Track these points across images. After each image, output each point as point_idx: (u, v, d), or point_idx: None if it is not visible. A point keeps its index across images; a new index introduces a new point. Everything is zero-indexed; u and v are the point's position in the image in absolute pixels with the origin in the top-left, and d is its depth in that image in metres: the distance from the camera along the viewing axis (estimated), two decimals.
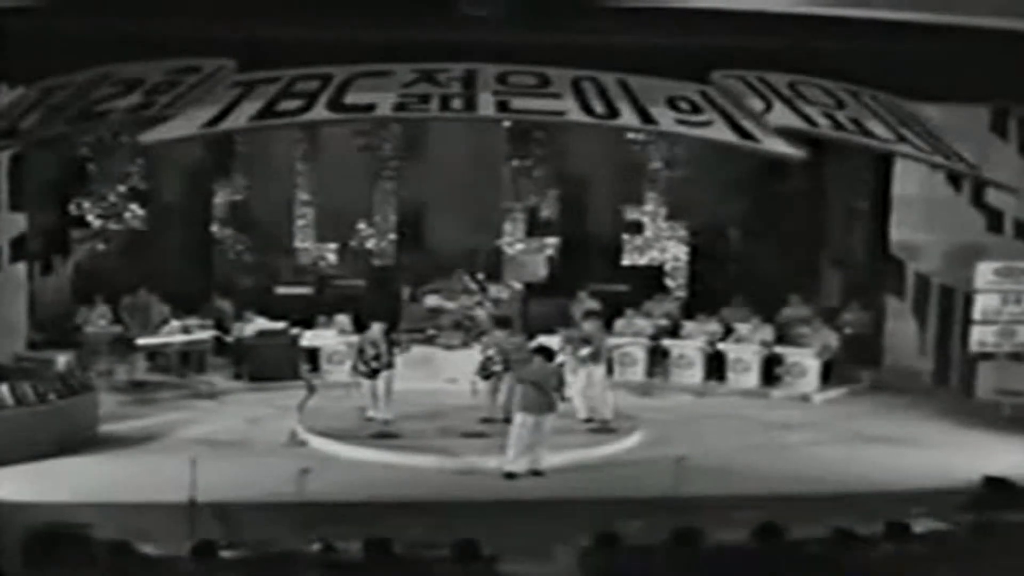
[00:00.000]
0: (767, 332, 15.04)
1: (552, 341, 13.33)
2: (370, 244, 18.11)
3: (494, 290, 16.06)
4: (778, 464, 11.00)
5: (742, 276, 17.11)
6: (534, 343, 12.13)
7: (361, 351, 11.95)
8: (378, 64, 12.02)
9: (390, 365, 11.91)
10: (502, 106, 11.69)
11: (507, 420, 11.03)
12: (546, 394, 10.39)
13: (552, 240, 18.30)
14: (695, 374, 14.87)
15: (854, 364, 15.06)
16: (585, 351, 12.28)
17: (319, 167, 17.83)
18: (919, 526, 7.41)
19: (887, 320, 15.71)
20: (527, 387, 10.42)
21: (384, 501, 9.58)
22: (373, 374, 11.85)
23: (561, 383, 10.63)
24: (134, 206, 17.26)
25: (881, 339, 15.67)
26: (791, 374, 14.45)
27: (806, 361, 14.41)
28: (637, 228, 18.13)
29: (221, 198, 17.78)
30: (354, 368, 12.23)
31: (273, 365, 14.35)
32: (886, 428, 12.59)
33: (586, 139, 16.94)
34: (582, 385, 12.27)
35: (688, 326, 15.52)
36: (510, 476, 10.36)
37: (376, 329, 11.96)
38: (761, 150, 11.97)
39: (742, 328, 15.14)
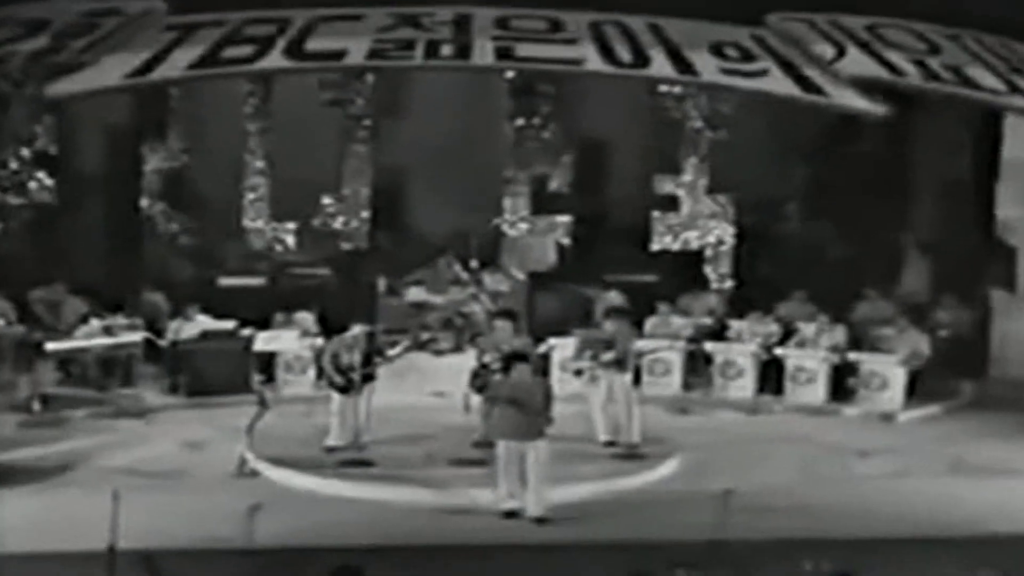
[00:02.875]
0: (837, 334, 15.04)
1: (565, 344, 13.18)
2: (338, 223, 18.16)
3: (492, 281, 16.10)
4: (852, 500, 10.98)
5: (804, 264, 17.12)
6: (540, 348, 12.13)
7: (335, 357, 11.93)
8: (347, 7, 11.87)
9: (371, 377, 11.88)
10: (503, 54, 11.59)
11: None
12: (530, 415, 10.21)
13: (564, 219, 18.35)
14: (745, 386, 14.93)
15: (950, 374, 15.13)
16: (607, 357, 12.23)
17: (275, 128, 17.85)
18: None
19: (992, 319, 15.73)
20: (504, 407, 10.25)
21: (355, 546, 9.56)
22: (347, 387, 11.80)
23: (549, 400, 10.44)
24: (41, 175, 17.21)
25: (985, 343, 15.70)
26: (869, 387, 14.50)
27: (888, 370, 14.46)
28: (671, 203, 18.18)
29: (152, 166, 17.78)
30: (324, 378, 12.19)
31: (218, 375, 14.46)
32: (992, 455, 12.52)
33: (607, 94, 16.93)
34: (603, 400, 12.29)
35: (736, 326, 15.58)
36: (511, 515, 10.28)
37: (356, 331, 11.97)
38: (830, 105, 11.87)
39: (805, 329, 15.18)
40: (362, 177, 18.16)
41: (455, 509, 10.54)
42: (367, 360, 11.92)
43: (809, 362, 14.70)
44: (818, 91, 11.75)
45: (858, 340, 15.08)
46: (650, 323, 15.57)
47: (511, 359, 10.67)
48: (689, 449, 12.29)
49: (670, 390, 14.97)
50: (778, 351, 14.95)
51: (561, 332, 14.09)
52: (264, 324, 15.04)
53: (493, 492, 10.46)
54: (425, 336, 14.63)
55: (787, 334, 15.22)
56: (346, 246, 18.14)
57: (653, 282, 17.02)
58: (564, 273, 17.67)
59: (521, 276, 16.88)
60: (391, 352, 12.40)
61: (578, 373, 12.48)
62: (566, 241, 18.30)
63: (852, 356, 14.69)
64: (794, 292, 16.05)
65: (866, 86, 11.93)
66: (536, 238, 18.18)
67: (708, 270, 18.04)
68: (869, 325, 15.39)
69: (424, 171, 17.71)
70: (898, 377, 14.38)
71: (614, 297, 15.74)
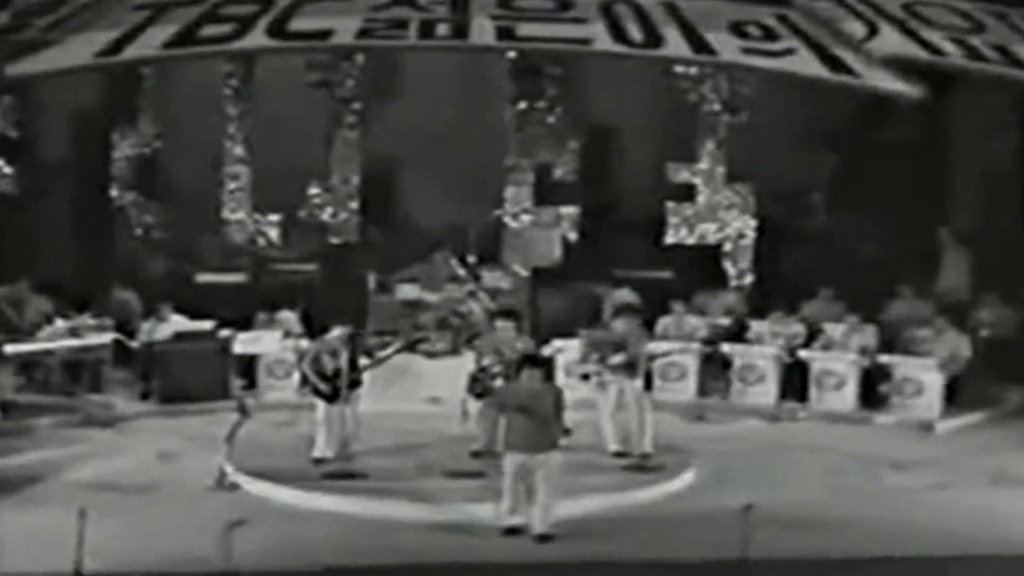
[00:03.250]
0: (868, 335, 15.05)
1: (571, 347, 13.16)
2: (325, 215, 18.21)
3: (491, 278, 16.11)
4: (885, 516, 10.91)
5: (832, 259, 17.13)
6: (545, 350, 12.13)
7: (316, 361, 11.90)
8: None
9: (356, 383, 11.86)
10: (504, 33, 11.59)
11: None
12: (541, 425, 10.18)
13: (570, 210, 18.40)
14: (767, 391, 14.95)
15: (992, 379, 15.12)
16: (617, 360, 12.23)
17: (256, 112, 17.90)
18: None
19: None
20: (512, 415, 10.23)
21: (343, 566, 9.54)
22: (333, 395, 11.78)
23: (561, 408, 10.42)
24: (0, 162, 17.23)
25: None
26: (903, 393, 14.49)
27: (925, 375, 14.45)
28: (686, 193, 18.20)
29: (122, 153, 17.82)
30: (305, 384, 12.20)
31: (194, 380, 14.48)
32: None
33: (618, 75, 16.90)
34: (612, 407, 12.30)
35: (757, 327, 15.60)
36: (512, 532, 10.24)
37: (337, 333, 11.97)
38: (861, 87, 11.85)
39: (832, 330, 15.18)
40: (351, 165, 18.19)
41: (452, 525, 10.48)
42: (352, 364, 11.90)
43: (837, 366, 14.70)
44: (848, 71, 11.76)
45: (891, 342, 15.07)
46: (663, 323, 15.57)
47: (523, 363, 10.63)
48: (706, 460, 12.26)
49: (685, 396, 15.00)
50: (803, 354, 14.97)
51: (567, 333, 14.07)
52: (245, 324, 15.08)
53: (493, 507, 10.42)
54: (416, 335, 14.60)
55: (812, 335, 15.24)
56: (334, 240, 18.20)
57: (667, 279, 17.09)
58: (570, 269, 17.71)
59: (523, 272, 16.88)
60: (380, 354, 12.37)
61: (585, 377, 12.48)
62: (572, 234, 18.35)
63: (884, 359, 14.69)
64: (820, 290, 16.07)
65: (901, 67, 11.91)
66: (540, 231, 18.23)
67: (726, 266, 18.07)
68: (903, 326, 15.37)
69: (418, 158, 17.73)
70: (935, 382, 14.38)
71: (624, 295, 15.76)
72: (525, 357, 10.85)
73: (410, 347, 13.78)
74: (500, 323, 12.53)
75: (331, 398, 11.85)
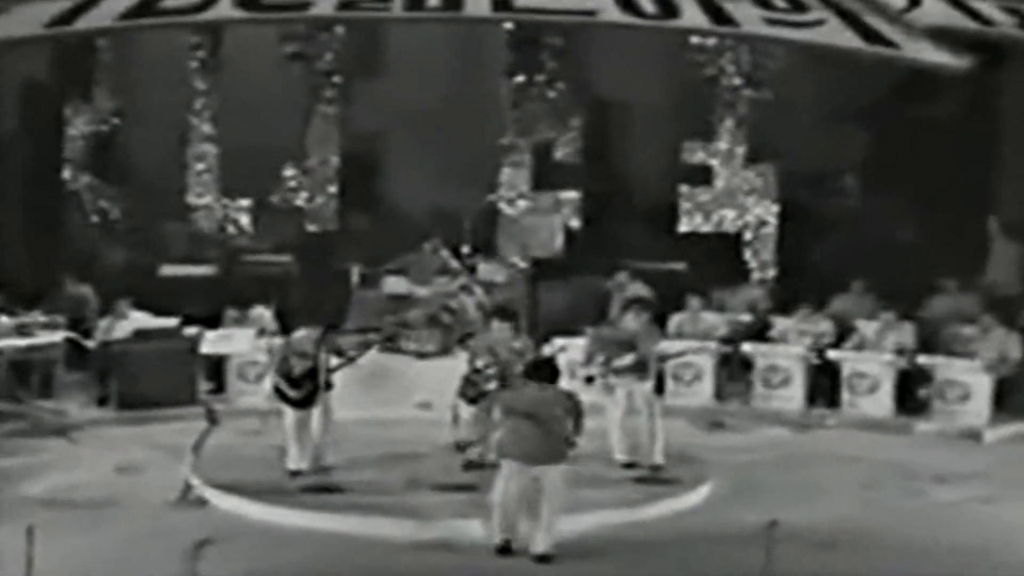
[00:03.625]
0: (906, 334, 15.09)
1: (574, 346, 13.11)
2: (301, 200, 18.27)
3: (486, 270, 16.15)
4: (926, 534, 10.90)
5: (865, 248, 17.16)
6: (545, 350, 12.12)
7: (284, 363, 11.89)
8: None
9: (327, 386, 11.84)
10: (501, 4, 11.53)
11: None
12: (550, 433, 10.11)
13: (572, 194, 18.43)
14: (793, 396, 15.01)
15: None
16: (625, 361, 12.22)
17: (225, 86, 17.94)
18: None
19: None
20: (518, 421, 10.13)
21: None
22: (304, 401, 11.78)
23: (579, 416, 10.34)
24: None
25: None
26: (946, 398, 14.52)
27: (971, 378, 14.47)
28: (703, 176, 18.20)
29: (77, 131, 17.82)
30: (275, 390, 12.16)
31: (157, 383, 14.53)
32: None
33: (627, 46, 16.95)
34: (620, 413, 12.30)
35: (781, 324, 15.66)
36: (504, 551, 10.19)
37: (304, 333, 11.98)
38: (899, 59, 11.79)
39: (866, 327, 15.20)
40: (330, 145, 18.25)
41: (441, 544, 10.47)
42: (318, 366, 11.81)
43: (871, 367, 14.73)
44: (885, 43, 11.67)
45: (931, 341, 15.11)
46: (677, 320, 15.60)
47: (533, 371, 10.55)
48: (724, 472, 12.27)
49: (701, 401, 15.06)
50: (832, 354, 15.00)
51: (569, 331, 14.12)
52: (213, 322, 15.09)
53: (487, 523, 10.36)
54: (386, 333, 14.56)
55: (843, 334, 15.27)
56: (311, 228, 18.25)
57: (680, 271, 17.15)
58: (573, 260, 17.76)
59: (521, 264, 17.03)
60: (352, 352, 12.30)
61: (589, 380, 12.44)
62: (575, 222, 18.39)
63: (924, 360, 14.73)
64: (852, 283, 16.10)
65: (946, 37, 11.85)
66: (539, 218, 18.24)
67: (747, 256, 18.08)
68: (945, 323, 15.41)
69: (405, 138, 17.76)
70: (983, 386, 14.39)
71: (634, 289, 15.78)
72: (535, 364, 10.78)
73: (385, 341, 13.68)
74: (496, 321, 12.51)
75: (301, 404, 11.80)
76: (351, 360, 12.34)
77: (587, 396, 12.52)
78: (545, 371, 10.49)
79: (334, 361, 12.14)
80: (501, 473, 10.20)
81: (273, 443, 12.30)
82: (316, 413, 11.83)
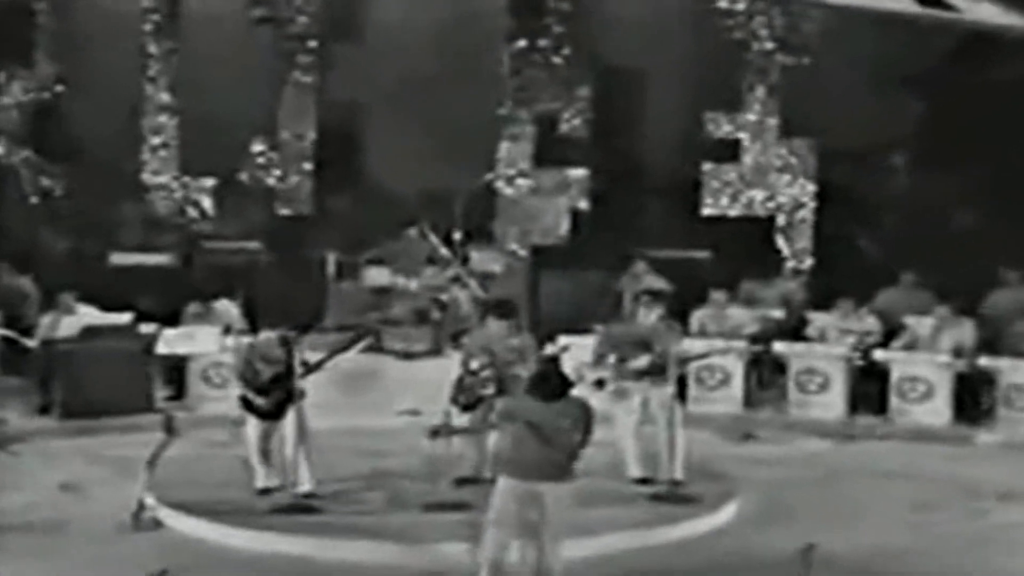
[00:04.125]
0: (964, 332, 15.11)
1: (582, 345, 13.10)
2: (272, 180, 18.36)
3: (481, 258, 16.28)
4: (988, 561, 10.83)
5: (916, 234, 17.22)
6: (548, 349, 12.07)
7: (249, 367, 11.87)
8: None
9: (299, 394, 11.77)
10: None
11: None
12: (555, 448, 10.04)
13: (580, 172, 18.50)
14: (833, 403, 15.06)
15: None
16: (641, 363, 12.23)
17: (186, 50, 18.07)
18: None
19: None
20: (520, 431, 10.05)
21: None
22: (274, 412, 11.73)
23: (588, 429, 10.24)
24: None
25: None
26: (1012, 404, 14.58)
27: None
28: (730, 152, 18.28)
29: (13, 99, 17.86)
30: (241, 401, 12.09)
31: (107, 389, 14.56)
32: None
33: (641, 8, 17.26)
34: (635, 422, 12.31)
35: (820, 321, 15.72)
36: None
37: (272, 335, 11.93)
38: (957, 21, 11.70)
39: (917, 325, 15.26)
40: (305, 117, 18.38)
41: (430, 571, 10.45)
42: (288, 371, 11.73)
43: (924, 370, 14.79)
44: (942, 5, 11.63)
45: (993, 340, 15.13)
46: (700, 317, 15.67)
47: (543, 379, 10.44)
48: (754, 489, 12.25)
49: (728, 408, 15.13)
50: (879, 355, 15.05)
51: (576, 328, 14.14)
52: (172, 318, 15.11)
53: (472, 549, 10.27)
54: (375, 326, 14.57)
55: (892, 332, 15.38)
56: (283, 211, 18.39)
57: (704, 260, 17.24)
58: (580, 248, 17.83)
59: (521, 252, 17.05)
60: (319, 358, 12.15)
61: (600, 384, 12.39)
62: (583, 203, 18.46)
63: (985, 362, 14.76)
64: (902, 274, 16.12)
65: None
66: (542, 200, 18.36)
67: (780, 243, 18.14)
68: (1009, 320, 15.40)
69: (389, 109, 17.88)
70: None
71: (650, 280, 15.78)
72: (540, 377, 10.64)
73: (355, 340, 13.62)
74: (493, 317, 12.42)
75: (270, 415, 11.76)
76: (318, 366, 12.18)
77: (596, 403, 12.58)
78: (551, 386, 10.17)
79: (309, 360, 12.01)
80: (497, 489, 10.13)
81: (240, 456, 12.20)
82: (288, 425, 11.74)
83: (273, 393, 11.75)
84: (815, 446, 14.34)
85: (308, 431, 11.78)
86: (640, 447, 12.27)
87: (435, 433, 11.65)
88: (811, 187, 18.17)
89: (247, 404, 11.89)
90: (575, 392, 10.59)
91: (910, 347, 15.09)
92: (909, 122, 17.87)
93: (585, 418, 9.95)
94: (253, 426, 11.84)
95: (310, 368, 11.97)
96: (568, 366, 14.09)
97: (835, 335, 15.37)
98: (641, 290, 13.89)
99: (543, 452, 9.84)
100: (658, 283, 15.55)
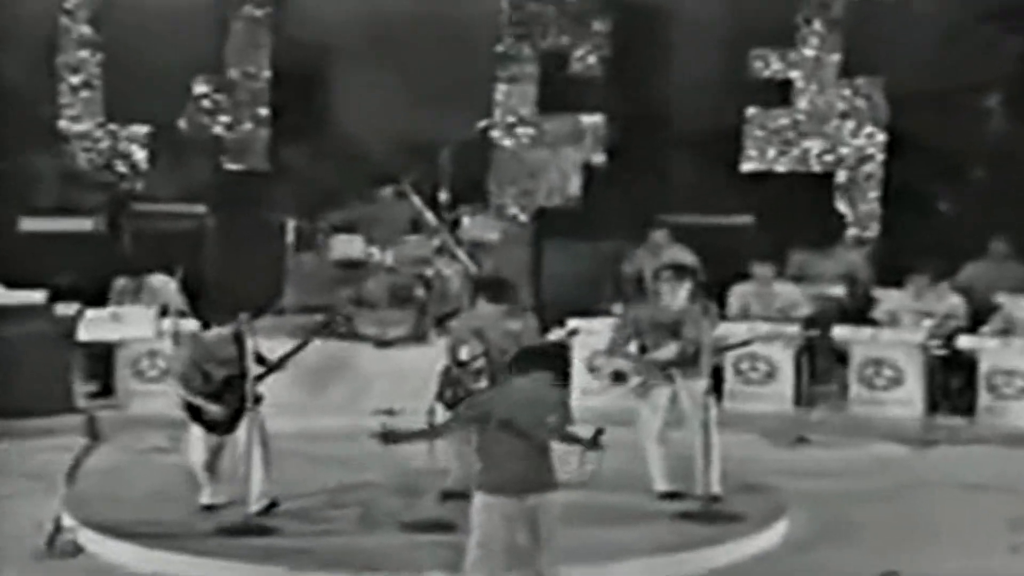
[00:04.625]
0: None
1: (594, 329, 13.08)
2: (219, 128, 18.44)
3: (473, 224, 16.39)
4: None
5: (1009, 195, 17.18)
6: (553, 335, 12.27)
7: (195, 367, 11.91)
8: None
9: (254, 400, 11.75)
10: None
11: None
12: (539, 452, 9.96)
13: (594, 120, 18.50)
14: (908, 399, 15.22)
15: None
16: (668, 352, 12.28)
17: None
18: None
19: None
20: (499, 436, 9.96)
21: None
22: (228, 422, 11.80)
23: (564, 420, 10.15)
24: None
25: None
26: None
27: None
28: (780, 95, 18.33)
29: None
30: (186, 408, 12.11)
31: (17, 383, 14.68)
32: None
33: None
34: (661, 423, 12.36)
35: (890, 300, 15.78)
36: None
37: (221, 332, 11.97)
38: None
39: (1014, 305, 15.28)
40: (258, 52, 18.50)
41: None
42: (244, 372, 11.69)
43: (1021, 361, 14.85)
44: None
45: None
46: (741, 295, 15.71)
47: (526, 359, 10.35)
48: (808, 505, 12.22)
49: (776, 406, 15.25)
50: (965, 341, 15.12)
51: (588, 310, 14.20)
52: (97, 297, 15.35)
53: None
54: (345, 308, 14.53)
55: (980, 314, 15.38)
56: (232, 166, 18.43)
57: (746, 227, 17.28)
58: (594, 211, 17.86)
59: (522, 216, 17.11)
60: (281, 354, 12.14)
61: (619, 378, 12.36)
62: (597, 157, 18.45)
63: None
64: (991, 242, 16.16)
65: None
66: (548, 153, 18.38)
67: (841, 205, 18.12)
68: None
69: (362, 45, 18.01)
70: None
71: (677, 252, 15.79)
72: (526, 351, 10.58)
73: (322, 329, 13.60)
74: (486, 296, 12.40)
75: (223, 426, 11.78)
76: (279, 365, 12.16)
77: (611, 400, 12.55)
78: (545, 361, 10.14)
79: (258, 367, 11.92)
80: (475, 509, 10.02)
81: (180, 465, 12.24)
82: (243, 435, 11.72)
83: (227, 399, 11.76)
84: (884, 452, 14.33)
85: (268, 440, 11.78)
86: (667, 454, 12.28)
87: (386, 437, 11.46)
88: (880, 136, 18.17)
89: (195, 414, 11.87)
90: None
91: (1003, 332, 15.07)
92: (1003, 60, 17.91)
93: (567, 411, 9.85)
94: (200, 439, 11.83)
95: (270, 367, 11.97)
96: (579, 356, 14.28)
97: (909, 318, 15.45)
98: (661, 265, 13.80)
99: (528, 457, 9.71)
100: (685, 255, 15.51)
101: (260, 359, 11.90)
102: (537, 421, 9.68)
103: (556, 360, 10.09)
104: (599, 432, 10.13)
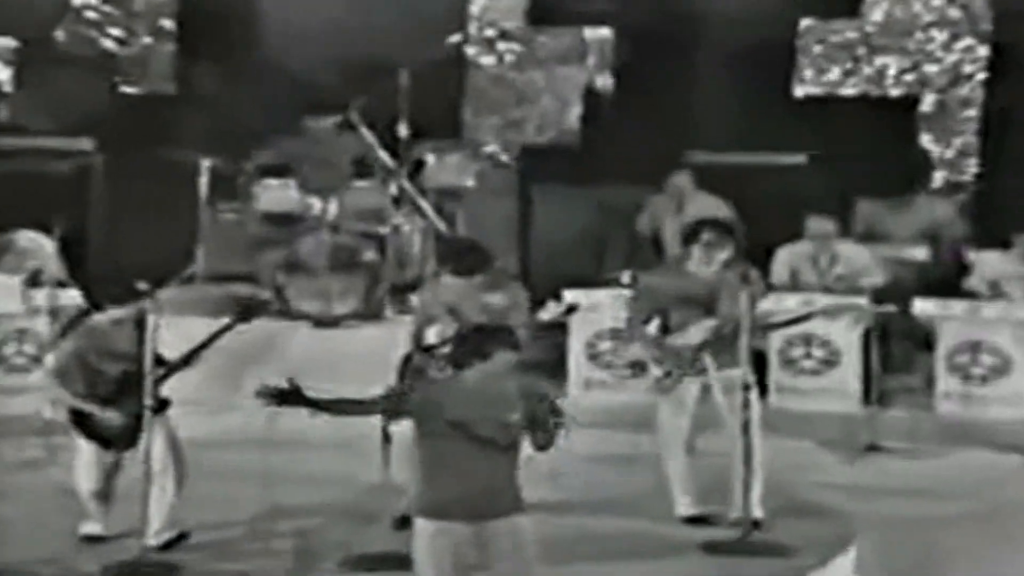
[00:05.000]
0: None
1: (599, 304, 13.10)
2: (109, 42, 18.47)
3: (443, 167, 16.46)
4: None
5: None
6: (546, 311, 12.23)
7: (81, 362, 12.01)
8: None
9: (161, 405, 11.81)
10: None
11: None
12: (501, 460, 9.91)
13: (600, 33, 18.63)
14: (1017, 396, 15.55)
15: None
16: (696, 334, 12.41)
17: None
18: None
19: None
20: (448, 442, 9.90)
21: None
22: (126, 434, 11.84)
23: (549, 432, 10.09)
24: None
25: None
26: None
27: None
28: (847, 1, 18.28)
29: None
30: (71, 417, 12.15)
31: None
32: None
33: None
34: (687, 426, 12.56)
35: (989, 265, 16.08)
36: None
37: (116, 316, 12.01)
38: None
39: None
40: None
41: None
42: (139, 373, 11.68)
43: None
44: None
45: None
46: (791, 258, 15.78)
47: (480, 339, 10.30)
48: (882, 532, 12.37)
49: (839, 404, 15.51)
50: None
51: (590, 279, 14.32)
52: None
53: None
54: (274, 278, 14.51)
55: None
56: (127, 89, 18.39)
57: (799, 168, 17.34)
58: (598, 150, 17.86)
59: (506, 156, 17.22)
60: (193, 346, 12.13)
61: (632, 368, 12.29)
62: (603, 81, 18.48)
63: None
64: None
65: None
66: (540, 74, 18.38)
67: (926, 141, 18.08)
68: None
69: None
70: None
71: (708, 202, 15.88)
72: (479, 329, 10.48)
73: (245, 314, 13.53)
74: (458, 262, 12.49)
75: (119, 440, 11.79)
76: (189, 359, 12.14)
77: (624, 395, 12.52)
78: (505, 338, 9.91)
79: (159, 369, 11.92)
80: (416, 539, 9.97)
81: (58, 481, 12.39)
82: (149, 450, 11.64)
83: (124, 403, 11.73)
84: (984, 463, 14.48)
85: (182, 454, 11.85)
86: (695, 466, 12.38)
87: (280, 396, 11.10)
88: (982, 50, 18.19)
89: (82, 424, 11.85)
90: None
91: None
92: None
93: (554, 408, 9.74)
94: (90, 462, 11.85)
95: (173, 365, 11.94)
96: (578, 339, 14.26)
97: (1014, 288, 15.41)
98: (694, 222, 13.69)
99: (486, 471, 9.67)
100: (715, 207, 15.52)
101: (159, 360, 11.82)
102: (499, 421, 9.63)
103: (516, 338, 10.01)
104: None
